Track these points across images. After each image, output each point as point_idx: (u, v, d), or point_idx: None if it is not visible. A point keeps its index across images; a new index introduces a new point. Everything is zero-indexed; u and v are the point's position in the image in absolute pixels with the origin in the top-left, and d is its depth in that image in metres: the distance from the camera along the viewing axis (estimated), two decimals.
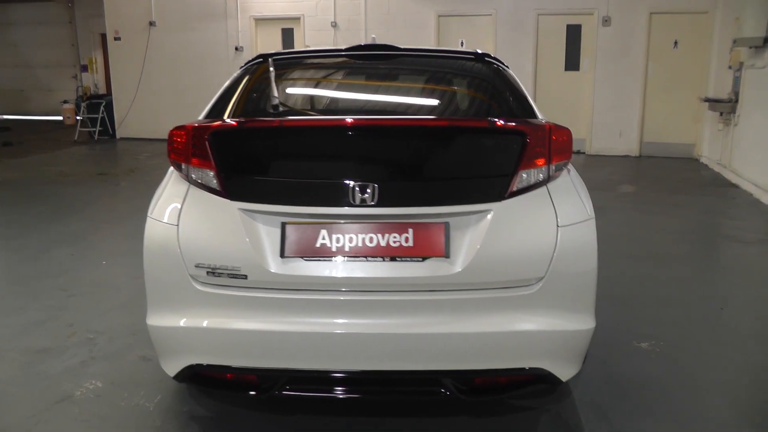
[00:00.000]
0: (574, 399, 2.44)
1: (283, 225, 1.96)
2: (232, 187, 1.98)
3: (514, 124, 2.14)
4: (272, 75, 2.34)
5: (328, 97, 2.68)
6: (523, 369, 1.98)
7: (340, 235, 1.95)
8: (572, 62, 8.88)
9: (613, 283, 3.57)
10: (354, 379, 2.02)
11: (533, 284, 1.95)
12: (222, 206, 1.98)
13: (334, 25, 9.63)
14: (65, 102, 13.49)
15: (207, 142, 2.00)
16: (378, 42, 2.68)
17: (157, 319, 2.04)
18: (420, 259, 1.94)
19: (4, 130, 11.95)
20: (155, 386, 2.49)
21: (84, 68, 14.70)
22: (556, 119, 2.32)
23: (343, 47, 2.65)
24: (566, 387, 2.49)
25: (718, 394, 2.48)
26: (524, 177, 1.98)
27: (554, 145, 2.01)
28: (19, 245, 4.51)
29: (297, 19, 9.94)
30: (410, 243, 1.94)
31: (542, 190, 2.01)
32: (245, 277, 1.94)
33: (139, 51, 11.01)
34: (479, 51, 2.69)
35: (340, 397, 2.12)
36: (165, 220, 2.02)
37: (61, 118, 13.52)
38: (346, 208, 1.92)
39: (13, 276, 3.91)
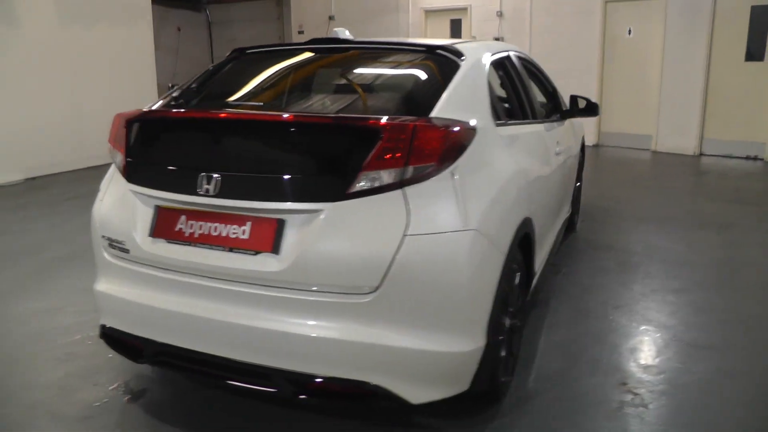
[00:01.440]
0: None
1: (156, 208, 2.13)
2: (129, 171, 2.20)
3: (365, 122, 1.97)
4: (213, 69, 2.56)
5: (247, 92, 2.63)
6: (350, 381, 1.87)
7: (193, 222, 2.04)
8: (756, 51, 8.00)
9: None
10: (200, 360, 2.05)
11: (367, 293, 1.83)
12: (123, 187, 2.21)
13: (500, 14, 9.82)
14: None
15: (123, 129, 2.24)
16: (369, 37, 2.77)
17: (95, 282, 2.33)
18: (253, 253, 1.95)
19: None
20: None
21: None
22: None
23: (303, 42, 2.76)
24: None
25: None
26: (369, 178, 1.84)
27: (417, 147, 1.86)
28: None
29: (464, 9, 10.32)
30: (246, 236, 1.96)
31: (396, 193, 1.85)
32: (128, 251, 2.15)
33: None
34: (441, 43, 2.54)
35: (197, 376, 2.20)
36: (98, 196, 2.34)
37: None
38: (194, 197, 2.00)
39: None
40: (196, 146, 2.18)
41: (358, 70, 2.58)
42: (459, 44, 2.60)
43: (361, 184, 1.86)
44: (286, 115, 2.18)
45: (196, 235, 2.04)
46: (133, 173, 2.22)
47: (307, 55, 2.77)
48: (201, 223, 2.04)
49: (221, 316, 1.97)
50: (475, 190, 2.02)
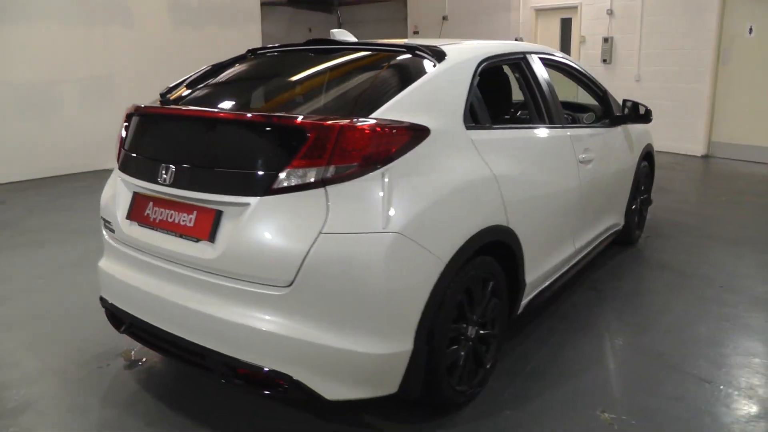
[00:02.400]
0: None
1: (134, 194, 2.37)
2: (120, 159, 2.49)
3: (292, 121, 2.01)
4: (211, 67, 2.72)
5: (218, 91, 2.72)
6: (268, 370, 1.94)
7: (157, 208, 2.25)
8: None
9: None
10: (159, 336, 2.22)
11: (283, 287, 1.90)
12: (116, 174, 2.50)
13: (610, 12, 9.28)
14: None
15: (123, 122, 2.53)
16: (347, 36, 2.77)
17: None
18: (195, 240, 2.09)
19: None
20: None
21: None
22: None
23: (302, 43, 2.83)
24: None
25: None
26: (293, 175, 1.91)
27: (340, 147, 1.90)
28: None
29: (575, 8, 9.86)
30: (192, 224, 2.11)
31: (317, 191, 1.90)
32: (114, 231, 2.44)
33: None
34: (425, 44, 2.51)
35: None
36: (107, 182, 2.61)
37: None
38: (156, 185, 2.21)
39: None
40: (161, 139, 2.41)
41: (332, 72, 2.60)
42: (447, 46, 2.56)
43: (285, 181, 1.92)
44: (224, 113, 2.34)
45: (157, 221, 2.25)
46: (122, 162, 2.49)
47: (295, 56, 2.86)
48: (162, 209, 2.24)
49: (172, 296, 2.15)
50: (411, 192, 2.01)
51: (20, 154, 6.99)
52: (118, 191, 2.45)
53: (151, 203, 2.29)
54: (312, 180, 1.91)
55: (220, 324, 2.01)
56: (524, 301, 2.83)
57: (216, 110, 2.39)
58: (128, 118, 2.54)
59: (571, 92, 4.18)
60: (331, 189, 1.91)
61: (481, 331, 2.48)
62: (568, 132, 3.15)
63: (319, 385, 1.95)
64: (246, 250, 1.95)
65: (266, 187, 1.94)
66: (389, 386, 2.07)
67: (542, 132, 2.96)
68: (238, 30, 9.01)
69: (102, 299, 2.54)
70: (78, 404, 2.52)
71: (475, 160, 2.34)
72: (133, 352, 2.91)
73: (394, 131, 2.02)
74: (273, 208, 1.94)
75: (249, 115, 2.16)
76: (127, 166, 2.45)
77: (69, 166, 7.38)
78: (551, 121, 3.06)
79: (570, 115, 4.11)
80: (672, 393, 2.56)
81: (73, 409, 2.49)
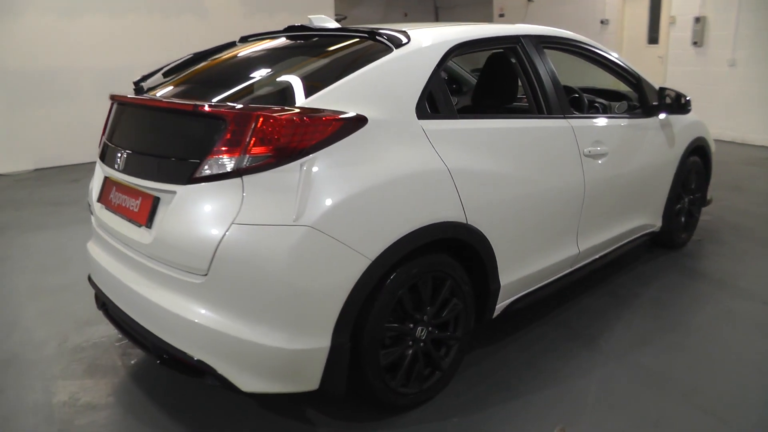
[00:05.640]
0: None
1: (105, 178, 2.47)
2: (100, 146, 2.59)
3: (215, 109, 2.00)
4: (193, 55, 2.78)
5: (192, 80, 2.68)
6: (188, 356, 1.96)
7: (117, 193, 2.34)
8: None
9: None
10: (118, 314, 2.30)
11: (200, 275, 1.91)
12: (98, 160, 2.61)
13: None
14: None
15: (109, 109, 2.62)
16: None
17: None
18: (138, 225, 2.17)
19: None
20: None
21: None
22: None
23: (280, 30, 2.81)
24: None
25: None
26: (213, 164, 1.91)
27: (257, 136, 1.87)
28: None
29: None
30: (137, 209, 2.18)
31: (234, 181, 1.88)
32: (93, 213, 2.56)
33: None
34: (388, 30, 2.41)
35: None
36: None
37: None
38: (114, 171, 2.33)
39: None
40: (120, 127, 2.51)
41: (288, 59, 2.56)
42: (417, 30, 2.43)
43: (206, 170, 1.93)
44: (160, 101, 2.38)
45: (116, 205, 2.36)
46: (100, 148, 2.60)
47: (268, 44, 2.81)
48: (120, 194, 2.34)
49: (125, 278, 2.24)
50: (333, 185, 1.93)
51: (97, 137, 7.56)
52: (96, 176, 2.61)
53: (114, 188, 2.39)
54: (229, 169, 1.89)
55: (155, 308, 2.06)
56: (501, 304, 2.65)
57: (155, 99, 2.44)
58: (111, 106, 2.66)
59: (610, 79, 3.82)
60: (248, 179, 1.88)
61: (438, 333, 2.36)
62: (571, 123, 2.88)
63: (236, 377, 1.94)
64: (171, 237, 1.99)
65: (189, 176, 1.96)
66: (308, 383, 2.02)
67: (527, 123, 2.71)
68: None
69: (89, 279, 2.69)
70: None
71: (425, 152, 2.19)
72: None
73: (319, 120, 1.94)
74: (194, 196, 1.95)
75: (178, 103, 2.19)
76: (102, 152, 2.59)
77: None
78: (549, 111, 2.81)
79: (601, 104, 3.79)
80: (652, 417, 2.30)
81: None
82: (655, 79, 3.77)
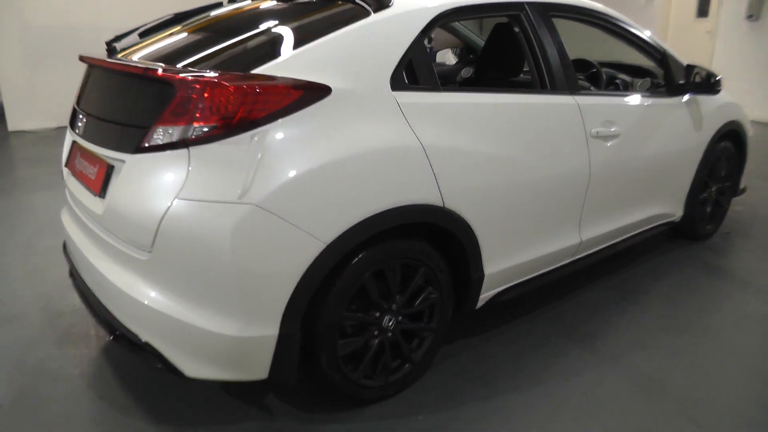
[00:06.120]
0: None
1: (72, 143, 2.36)
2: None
3: (166, 74, 1.83)
4: (174, 15, 2.68)
5: (162, 41, 2.50)
6: (133, 334, 1.86)
7: (80, 159, 2.24)
8: None
9: None
10: (81, 284, 2.20)
11: (145, 251, 1.79)
12: None
13: None
14: None
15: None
16: None
17: None
18: (93, 194, 2.05)
19: None
20: None
21: None
22: None
23: None
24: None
25: None
26: (160, 133, 1.77)
27: (205, 105, 1.72)
28: None
29: None
30: (94, 177, 2.06)
31: (181, 152, 1.74)
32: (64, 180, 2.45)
33: None
34: None
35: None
36: None
37: None
38: (76, 135, 2.25)
39: None
40: (84, 89, 2.41)
41: (262, 23, 2.30)
42: None
43: (153, 139, 1.79)
44: (114, 64, 2.19)
45: (78, 171, 2.26)
46: (71, 112, 2.48)
47: (250, 6, 2.62)
48: (82, 160, 2.23)
49: (83, 247, 2.14)
50: (285, 160, 1.75)
51: None
52: (66, 140, 2.51)
53: (78, 154, 2.28)
54: (175, 139, 1.75)
55: (107, 283, 1.95)
56: (485, 295, 2.45)
57: (111, 61, 2.26)
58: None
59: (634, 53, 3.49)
60: (194, 150, 1.73)
61: (408, 323, 2.20)
62: (578, 100, 2.61)
63: (179, 360, 1.83)
64: (120, 209, 1.88)
65: (137, 145, 1.83)
66: (256, 371, 1.89)
67: (522, 99, 2.45)
68: None
69: (63, 246, 2.62)
70: None
71: (396, 127, 1.98)
72: None
73: (273, 89, 1.77)
74: (142, 166, 1.82)
75: (131, 66, 2.05)
76: (71, 116, 2.47)
77: None
78: (553, 87, 2.55)
79: (622, 81, 3.48)
80: (640, 427, 2.09)
81: None
82: (699, 57, 3.42)
